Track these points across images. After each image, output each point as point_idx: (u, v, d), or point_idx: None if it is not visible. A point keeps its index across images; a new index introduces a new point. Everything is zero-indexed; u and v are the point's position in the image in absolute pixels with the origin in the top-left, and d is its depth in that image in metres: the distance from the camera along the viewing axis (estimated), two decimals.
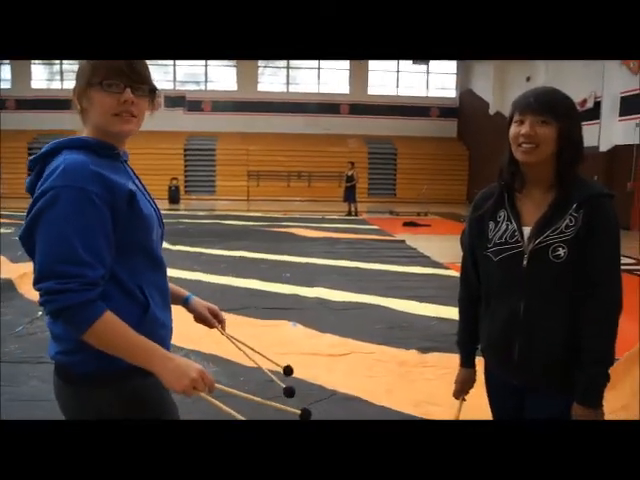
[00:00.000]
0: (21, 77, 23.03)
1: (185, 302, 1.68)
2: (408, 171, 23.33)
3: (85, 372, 1.35)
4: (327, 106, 24.17)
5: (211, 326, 1.70)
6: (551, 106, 1.58)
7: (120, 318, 1.28)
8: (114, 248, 1.32)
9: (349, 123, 24.00)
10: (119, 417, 1.36)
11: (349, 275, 7.51)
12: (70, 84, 1.42)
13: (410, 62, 23.36)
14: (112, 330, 1.27)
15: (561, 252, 1.57)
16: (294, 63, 24.51)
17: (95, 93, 1.34)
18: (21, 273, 6.42)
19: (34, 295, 1.28)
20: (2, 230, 10.42)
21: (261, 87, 24.58)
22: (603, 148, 14.35)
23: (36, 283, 1.26)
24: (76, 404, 1.39)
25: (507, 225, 1.66)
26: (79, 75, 1.37)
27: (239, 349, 1.72)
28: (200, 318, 1.70)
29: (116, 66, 1.33)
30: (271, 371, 1.70)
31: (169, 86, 23.65)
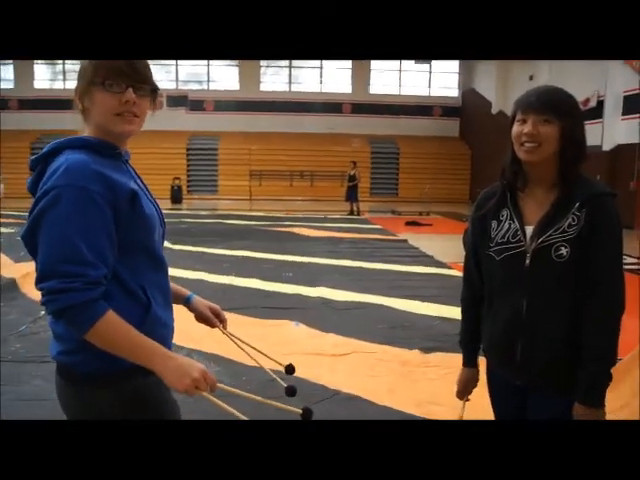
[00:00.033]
0: (24, 77, 23.06)
1: (186, 301, 1.69)
2: (410, 170, 23.31)
3: (87, 372, 1.35)
4: (329, 105, 24.16)
5: (212, 325, 1.70)
6: (553, 105, 1.58)
7: (122, 318, 1.28)
8: (116, 248, 1.33)
9: (351, 122, 23.98)
10: (120, 417, 1.37)
11: (351, 275, 7.51)
12: (73, 84, 1.42)
13: (412, 61, 23.33)
14: (114, 329, 1.27)
15: (563, 251, 1.56)
16: (296, 62, 24.50)
17: (97, 93, 1.34)
18: (24, 273, 6.43)
19: (37, 295, 1.29)
20: (5, 230, 10.44)
21: (263, 87, 24.58)
22: (606, 147, 14.31)
23: (38, 282, 1.27)
24: (78, 404, 1.39)
25: (509, 224, 1.66)
26: (81, 75, 1.37)
27: (240, 348, 1.72)
28: (201, 317, 1.70)
29: (118, 66, 1.33)
30: (273, 370, 1.70)
31: (171, 86, 23.67)
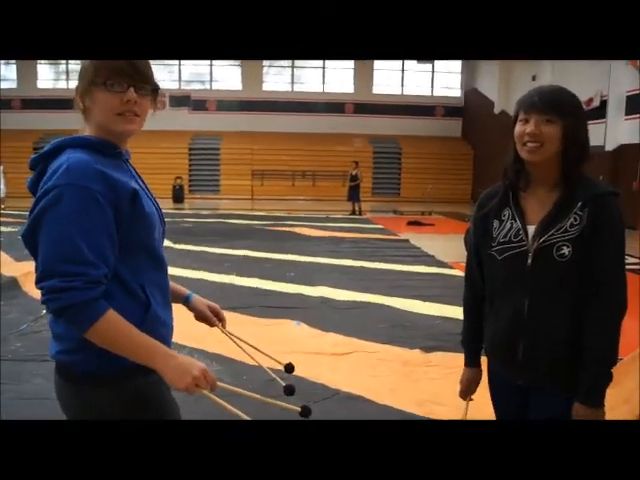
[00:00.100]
0: (27, 77, 23.10)
1: (186, 300, 1.68)
2: (413, 170, 23.29)
3: (87, 371, 1.35)
4: (332, 105, 24.15)
5: (212, 324, 1.70)
6: (556, 105, 1.57)
7: (122, 317, 1.28)
8: (117, 247, 1.32)
9: (354, 122, 23.97)
10: (120, 416, 1.37)
11: (353, 274, 7.51)
12: (75, 84, 1.41)
13: (415, 61, 23.32)
14: (114, 328, 1.27)
15: (565, 251, 1.56)
16: (299, 62, 24.50)
17: (98, 93, 1.34)
18: (25, 272, 6.44)
19: (38, 293, 1.29)
20: (6, 229, 10.46)
21: (266, 86, 24.59)
22: (609, 147, 14.28)
23: (39, 281, 1.26)
24: (78, 403, 1.39)
25: (511, 224, 1.65)
26: (82, 74, 1.37)
27: (240, 347, 1.72)
28: (201, 316, 1.69)
29: (119, 66, 1.32)
30: (273, 369, 1.69)
31: (174, 85, 23.68)
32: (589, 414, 1.54)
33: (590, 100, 14.70)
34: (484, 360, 1.85)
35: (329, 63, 24.28)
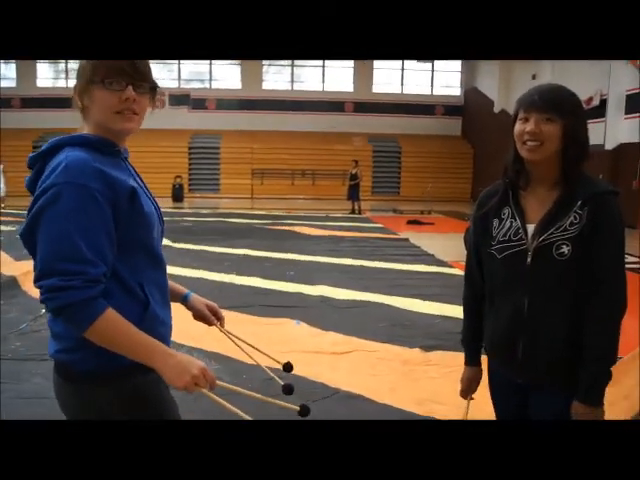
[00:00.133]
0: (26, 76, 23.07)
1: (184, 299, 1.68)
2: (412, 169, 23.28)
3: (85, 370, 1.35)
4: (331, 104, 24.14)
5: (210, 323, 1.70)
6: (556, 104, 1.57)
7: (121, 315, 1.28)
8: (115, 246, 1.32)
9: (353, 121, 23.96)
10: (119, 415, 1.37)
11: (353, 273, 7.51)
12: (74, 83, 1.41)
13: (415, 60, 23.30)
14: (114, 327, 1.26)
15: (565, 250, 1.56)
16: (298, 61, 24.47)
17: (97, 91, 1.34)
18: (24, 271, 6.43)
19: (37, 293, 1.28)
20: (5, 228, 10.46)
21: (265, 85, 24.57)
22: (609, 146, 14.28)
23: (37, 280, 1.26)
24: (77, 402, 1.39)
25: (511, 222, 1.65)
26: (80, 73, 1.37)
27: (238, 346, 1.72)
28: (199, 315, 1.69)
29: (117, 64, 1.32)
30: (272, 368, 1.69)
31: (174, 84, 23.66)
32: (588, 413, 1.54)
33: (590, 99, 14.69)
34: (484, 359, 1.85)
35: (329, 62, 24.24)
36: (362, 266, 8.05)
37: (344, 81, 24.63)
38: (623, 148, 14.11)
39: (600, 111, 14.48)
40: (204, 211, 16.82)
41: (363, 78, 24.34)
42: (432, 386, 3.71)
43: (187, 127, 23.17)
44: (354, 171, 16.99)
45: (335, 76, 24.73)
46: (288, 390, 1.58)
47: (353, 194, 16.94)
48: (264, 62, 24.19)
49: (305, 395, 3.35)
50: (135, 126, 1.39)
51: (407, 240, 10.90)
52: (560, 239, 1.56)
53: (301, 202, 20.77)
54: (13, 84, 23.04)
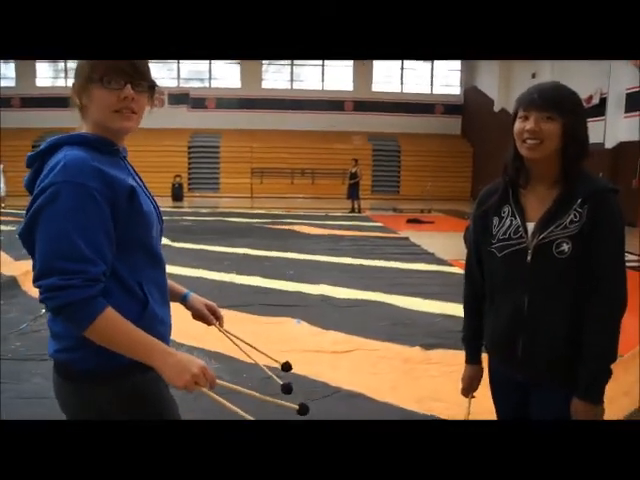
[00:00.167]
0: (26, 75, 23.05)
1: (183, 299, 1.68)
2: (412, 168, 23.28)
3: (85, 369, 1.35)
4: (331, 103, 24.13)
5: (209, 323, 1.70)
6: (556, 102, 1.57)
7: (120, 314, 1.28)
8: (114, 244, 1.32)
9: (353, 120, 23.95)
10: (119, 414, 1.37)
11: (353, 272, 7.50)
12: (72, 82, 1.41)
13: (414, 60, 23.28)
14: (113, 326, 1.26)
15: (565, 248, 1.56)
16: (298, 60, 24.46)
17: (95, 90, 1.33)
18: (24, 271, 6.42)
19: (37, 292, 1.28)
20: (5, 228, 10.45)
21: (265, 84, 24.56)
22: (608, 145, 14.27)
23: (37, 280, 1.26)
24: (77, 401, 1.39)
25: (511, 221, 1.65)
26: (78, 72, 1.36)
27: (237, 346, 1.71)
28: (198, 315, 1.69)
29: (116, 63, 1.32)
30: (272, 368, 1.69)
31: (173, 83, 23.63)
32: (588, 410, 1.54)
33: (590, 97, 14.68)
34: (485, 357, 1.85)
35: (328, 61, 24.23)
36: (362, 265, 8.05)
37: (344, 80, 24.61)
38: (623, 147, 14.10)
39: (600, 110, 14.47)
40: (204, 210, 16.82)
41: (363, 77, 24.33)
42: (433, 384, 3.71)
43: (186, 126, 23.15)
44: (354, 170, 16.99)
45: (335, 75, 24.71)
46: (287, 390, 1.58)
47: (353, 193, 16.94)
48: (264, 61, 24.16)
49: (306, 394, 3.35)
50: (134, 125, 1.38)
51: (407, 239, 10.90)
52: (560, 237, 1.56)
53: (301, 201, 20.76)
54: (12, 83, 23.02)
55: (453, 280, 6.70)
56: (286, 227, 12.54)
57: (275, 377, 1.62)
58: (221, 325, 1.71)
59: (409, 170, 23.41)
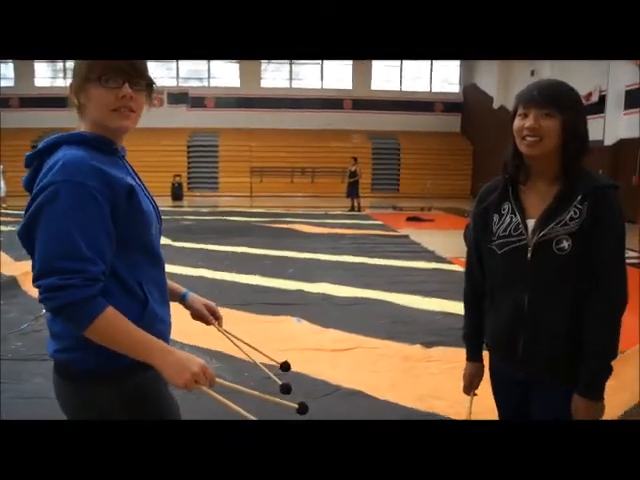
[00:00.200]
0: (24, 75, 23.03)
1: (182, 299, 1.68)
2: (412, 166, 23.27)
3: (86, 369, 1.35)
4: (330, 102, 24.11)
5: (208, 323, 1.69)
6: (555, 99, 1.56)
7: (120, 314, 1.28)
8: (114, 244, 1.32)
9: (352, 118, 23.93)
10: (120, 414, 1.36)
11: (353, 270, 7.50)
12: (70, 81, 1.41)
13: (414, 60, 23.22)
14: (113, 325, 1.26)
15: (565, 245, 1.55)
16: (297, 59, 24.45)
17: (93, 89, 1.33)
18: (25, 271, 6.42)
19: (37, 293, 1.28)
20: (5, 228, 10.45)
21: (264, 83, 24.53)
22: (608, 142, 14.26)
23: (36, 280, 1.26)
24: (77, 401, 1.39)
25: (511, 218, 1.65)
26: (76, 71, 1.36)
27: (236, 346, 1.71)
28: (197, 315, 1.69)
29: (114, 62, 1.32)
30: (271, 367, 1.69)
31: (172, 83, 23.61)
32: (588, 407, 1.54)
33: (589, 95, 14.67)
34: (486, 355, 1.84)
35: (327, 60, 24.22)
36: (362, 263, 8.05)
37: (343, 78, 24.59)
38: (623, 144, 14.09)
39: (599, 107, 14.46)
40: (203, 209, 16.81)
41: (362, 75, 24.30)
42: (433, 382, 3.71)
43: (186, 125, 23.14)
44: (353, 168, 16.98)
45: (334, 74, 24.69)
46: (286, 390, 1.58)
47: (352, 191, 16.93)
48: (263, 60, 24.15)
49: (306, 392, 3.35)
50: (132, 124, 1.38)
51: (407, 237, 10.90)
52: (560, 234, 1.56)
53: (300, 200, 20.75)
54: (11, 83, 23.00)
55: (453, 278, 6.70)
56: (286, 226, 12.54)
57: (274, 377, 1.62)
58: (220, 325, 1.71)
59: (409, 168, 23.40)
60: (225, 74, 24.47)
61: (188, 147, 23.25)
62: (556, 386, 1.63)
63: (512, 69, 19.90)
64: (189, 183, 22.84)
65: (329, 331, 4.86)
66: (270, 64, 24.66)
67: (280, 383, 1.58)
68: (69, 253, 1.24)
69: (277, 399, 1.42)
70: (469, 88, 24.01)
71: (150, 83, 1.40)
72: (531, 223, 1.62)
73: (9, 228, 10.44)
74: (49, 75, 23.93)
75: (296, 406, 1.41)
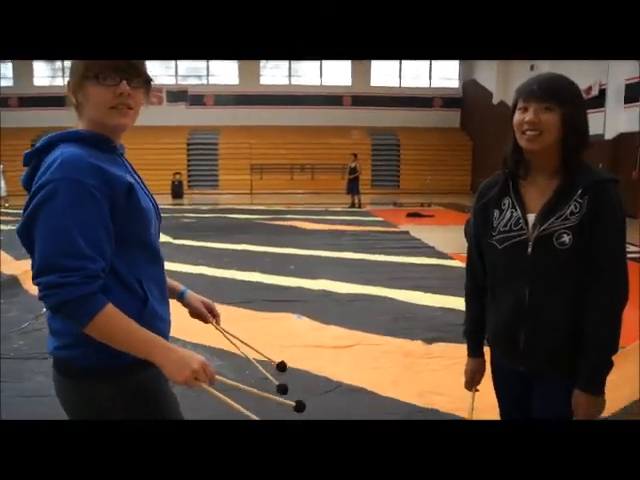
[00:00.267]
0: (23, 74, 23.01)
1: (180, 296, 1.68)
2: (411, 162, 23.25)
3: (86, 366, 1.35)
4: (329, 98, 24.07)
5: (206, 321, 1.69)
6: (555, 92, 1.56)
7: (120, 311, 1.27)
8: (113, 241, 1.31)
9: (352, 115, 23.91)
10: (120, 411, 1.36)
11: (353, 267, 7.51)
12: (67, 79, 1.40)
13: (413, 60, 23.18)
14: (113, 323, 1.26)
15: (566, 239, 1.55)
16: None
17: (91, 87, 1.33)
18: (25, 270, 6.42)
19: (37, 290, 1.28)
20: (5, 227, 10.45)
21: (263, 80, 24.49)
22: (608, 136, 14.25)
23: (36, 277, 1.26)
24: (77, 398, 1.39)
25: (512, 212, 1.64)
26: (73, 69, 1.36)
27: (233, 344, 1.71)
28: (195, 313, 1.69)
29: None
30: (268, 365, 1.69)
31: (171, 81, 23.57)
32: (589, 402, 1.54)
33: (589, 89, 14.65)
34: (487, 350, 1.84)
35: None
36: (363, 259, 8.05)
37: (342, 75, 24.55)
38: (623, 138, 14.07)
39: (599, 101, 14.44)
40: (204, 207, 16.81)
41: (361, 72, 24.25)
42: (434, 378, 3.71)
43: (185, 123, 23.12)
44: (353, 165, 16.96)
45: (333, 70, 24.64)
46: (282, 390, 1.58)
47: (353, 188, 16.91)
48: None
49: (308, 389, 3.36)
50: (130, 121, 1.38)
51: (407, 233, 10.90)
52: (561, 228, 1.55)
53: (300, 197, 20.75)
54: (10, 83, 22.98)
55: (453, 273, 6.70)
56: (286, 223, 12.54)
57: (271, 377, 1.61)
58: (218, 323, 1.70)
59: (409, 164, 23.38)
60: (224, 71, 24.44)
61: (188, 145, 23.24)
62: (557, 380, 1.63)
63: (511, 64, 19.85)
64: (189, 181, 22.84)
65: (330, 328, 4.87)
66: (269, 61, 24.61)
67: (277, 384, 1.58)
68: (68, 250, 1.23)
69: (275, 397, 1.43)
70: (468, 83, 23.98)
71: (148, 80, 1.39)
72: (531, 218, 1.61)
73: (9, 227, 10.44)
74: (48, 74, 23.90)
75: (293, 404, 1.42)
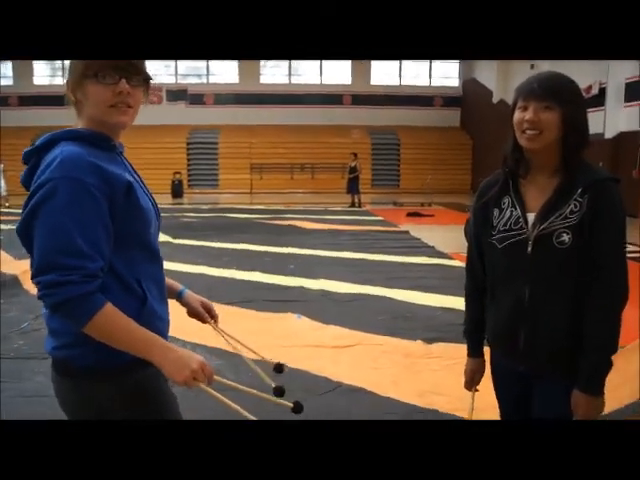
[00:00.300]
0: (23, 74, 23.01)
1: (179, 296, 1.67)
2: (411, 161, 23.25)
3: (84, 365, 1.34)
4: (329, 97, 24.07)
5: (204, 321, 1.69)
6: (555, 91, 1.55)
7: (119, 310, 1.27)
8: (112, 240, 1.31)
9: (352, 114, 23.91)
10: (120, 410, 1.36)
11: (353, 266, 7.50)
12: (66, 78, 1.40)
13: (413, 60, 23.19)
14: (112, 322, 1.26)
15: (565, 238, 1.55)
16: None
17: (90, 85, 1.33)
18: (25, 269, 6.41)
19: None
20: (5, 227, 10.45)
21: (263, 79, 24.50)
22: (608, 135, 14.24)
23: (35, 276, 1.25)
24: (76, 398, 1.38)
25: (511, 211, 1.64)
26: (72, 68, 1.36)
27: (231, 345, 1.71)
28: (193, 312, 1.68)
29: None
30: (265, 365, 1.69)
31: (171, 80, 23.54)
32: (588, 402, 1.54)
33: (589, 88, 14.64)
34: (487, 350, 1.84)
35: None
36: (362, 259, 8.05)
37: (342, 74, 24.54)
38: (623, 137, 14.07)
39: (599, 100, 14.43)
40: (204, 207, 16.81)
41: (361, 70, 24.25)
42: (434, 378, 3.71)
43: (185, 122, 23.11)
44: (353, 164, 16.95)
45: (333, 69, 24.64)
46: (279, 392, 1.58)
47: (353, 187, 16.91)
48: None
49: (307, 389, 3.35)
50: (129, 119, 1.38)
51: (407, 232, 10.90)
52: (560, 227, 1.55)
53: (300, 196, 20.75)
54: (10, 82, 22.98)
55: (453, 273, 6.70)
56: (286, 222, 12.53)
57: (268, 379, 1.61)
58: (216, 324, 1.70)
59: (409, 163, 23.38)
60: (224, 71, 24.44)
61: (188, 144, 23.23)
62: (557, 380, 1.63)
63: (511, 63, 19.83)
64: (189, 180, 22.84)
65: (330, 327, 4.86)
66: (269, 60, 24.61)
67: (274, 386, 1.58)
68: (67, 249, 1.23)
69: (273, 398, 1.43)
70: (468, 82, 23.97)
71: (147, 79, 1.39)
72: (531, 217, 1.61)
73: (9, 227, 10.44)
74: (48, 73, 23.90)
75: (291, 405, 1.42)
